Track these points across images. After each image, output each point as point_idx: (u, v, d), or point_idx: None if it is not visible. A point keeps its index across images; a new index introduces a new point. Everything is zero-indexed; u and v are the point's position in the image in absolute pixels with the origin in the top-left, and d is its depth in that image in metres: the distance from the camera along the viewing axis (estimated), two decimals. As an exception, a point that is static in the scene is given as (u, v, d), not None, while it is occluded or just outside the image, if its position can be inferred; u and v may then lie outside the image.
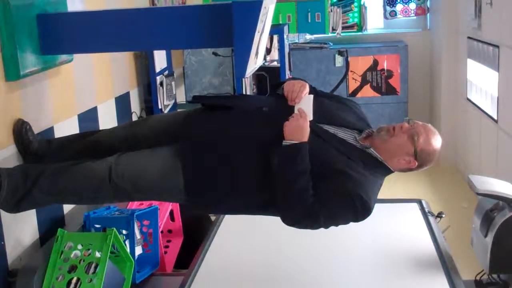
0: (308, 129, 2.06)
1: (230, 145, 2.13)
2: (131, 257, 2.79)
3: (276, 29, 4.41)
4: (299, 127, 2.05)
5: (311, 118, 2.15)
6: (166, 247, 3.54)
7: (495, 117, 4.78)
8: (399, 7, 6.85)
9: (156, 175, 2.18)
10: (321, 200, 2.00)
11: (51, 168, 2.31)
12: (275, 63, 4.58)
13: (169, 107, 4.42)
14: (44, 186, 2.26)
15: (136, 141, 2.35)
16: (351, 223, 2.12)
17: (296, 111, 2.16)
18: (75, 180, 2.26)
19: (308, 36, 5.20)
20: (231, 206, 2.24)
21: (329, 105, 2.30)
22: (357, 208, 2.01)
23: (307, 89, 2.25)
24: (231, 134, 2.16)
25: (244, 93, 4.29)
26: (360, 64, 6.30)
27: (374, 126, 2.29)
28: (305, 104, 2.18)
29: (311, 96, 2.23)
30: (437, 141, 2.15)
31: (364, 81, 6.36)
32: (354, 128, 2.20)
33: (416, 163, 2.14)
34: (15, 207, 2.31)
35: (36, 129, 2.66)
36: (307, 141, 2.04)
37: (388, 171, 2.17)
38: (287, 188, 2.00)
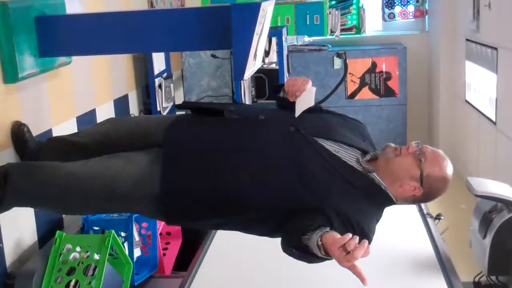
0: None
1: (220, 156, 1.97)
2: (129, 260, 2.79)
3: (275, 31, 4.41)
4: (342, 260, 1.62)
5: (312, 104, 2.04)
6: (165, 249, 3.54)
7: (494, 119, 4.79)
8: (397, 9, 6.86)
9: (130, 183, 2.00)
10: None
11: (19, 170, 2.17)
12: (273, 66, 4.59)
13: (168, 109, 4.42)
14: (17, 190, 2.12)
15: (112, 142, 2.21)
16: None
17: (297, 105, 2.03)
18: (41, 185, 2.10)
19: (307, 38, 5.21)
20: (214, 222, 2.08)
21: (331, 121, 2.11)
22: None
23: (310, 83, 2.10)
24: (222, 144, 1.99)
25: (242, 96, 4.28)
26: (358, 66, 6.30)
27: (370, 130, 2.19)
28: (307, 97, 2.05)
29: (313, 88, 2.08)
30: (446, 168, 1.93)
31: (362, 83, 6.36)
32: (356, 148, 2.00)
33: (422, 190, 1.92)
34: None
35: (35, 131, 2.66)
36: None
37: (391, 202, 1.96)
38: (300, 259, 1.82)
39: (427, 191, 1.93)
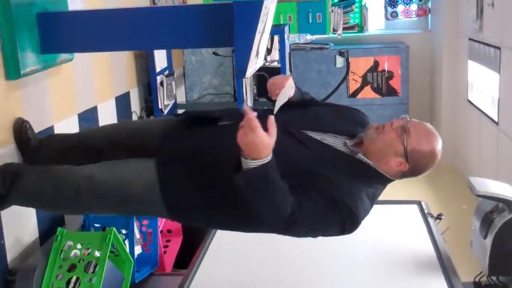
0: (265, 141, 1.70)
1: (207, 160, 1.99)
2: (130, 257, 2.79)
3: (277, 30, 4.41)
4: (253, 144, 1.69)
5: (285, 100, 2.09)
6: (166, 246, 3.55)
7: (496, 119, 4.78)
8: (400, 8, 6.86)
9: (140, 185, 2.05)
10: (302, 211, 1.79)
11: (31, 172, 2.22)
12: (275, 64, 4.58)
13: (169, 107, 4.43)
14: (22, 191, 2.17)
15: (116, 141, 2.27)
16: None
17: (276, 103, 2.09)
18: (54, 188, 2.15)
19: (309, 37, 5.20)
20: (213, 223, 2.15)
21: (321, 113, 2.15)
22: (342, 217, 1.82)
23: (290, 80, 2.13)
24: (210, 149, 2.01)
25: (243, 94, 4.28)
26: (360, 65, 6.30)
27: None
28: (284, 94, 2.11)
29: (291, 84, 2.13)
30: (432, 142, 1.91)
31: (364, 82, 6.36)
32: (345, 135, 2.01)
33: (407, 166, 1.90)
34: None
35: (36, 128, 2.66)
36: (271, 156, 1.73)
37: (384, 179, 1.96)
38: (263, 208, 1.79)
39: (413, 166, 1.91)
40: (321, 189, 1.83)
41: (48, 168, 2.24)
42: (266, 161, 1.72)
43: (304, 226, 1.83)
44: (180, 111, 4.36)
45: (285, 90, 2.12)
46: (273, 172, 1.74)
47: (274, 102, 2.14)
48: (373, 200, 1.94)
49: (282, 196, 1.77)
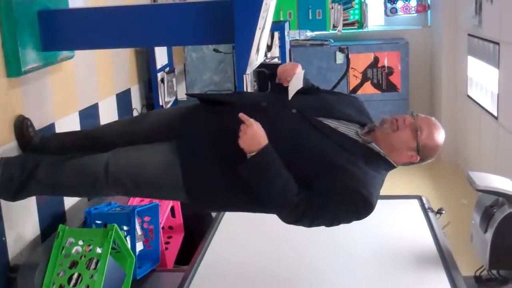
0: (260, 132, 1.97)
1: (225, 141, 2.06)
2: (132, 253, 2.79)
3: (277, 26, 4.41)
4: (250, 137, 1.96)
5: (301, 86, 2.21)
6: (167, 243, 3.55)
7: (495, 114, 4.79)
8: (399, 4, 6.86)
9: (156, 170, 2.13)
10: (320, 199, 1.95)
11: (49, 161, 2.29)
12: (276, 60, 4.59)
13: (170, 103, 4.43)
14: (41, 179, 2.25)
15: (134, 137, 2.32)
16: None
17: (289, 88, 2.20)
18: (72, 174, 2.23)
19: (309, 33, 5.20)
20: (231, 204, 2.20)
21: (330, 100, 2.28)
22: (358, 205, 1.96)
23: (299, 67, 2.27)
24: (226, 131, 2.07)
25: (244, 90, 4.29)
26: (360, 61, 6.30)
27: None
28: (297, 80, 2.22)
29: (302, 71, 2.26)
30: (440, 136, 2.11)
31: (364, 78, 6.36)
32: (355, 122, 2.15)
33: (419, 158, 2.09)
34: (12, 196, 2.31)
35: (37, 125, 2.67)
36: (266, 144, 1.97)
37: (391, 166, 2.12)
38: (267, 196, 1.98)
39: (423, 157, 2.11)
40: (337, 177, 1.97)
41: (63, 157, 2.30)
42: (259, 150, 1.95)
43: (316, 217, 1.98)
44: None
45: (297, 76, 2.23)
46: (268, 158, 1.96)
47: (285, 88, 2.24)
48: (382, 186, 2.09)
49: (282, 183, 1.95)
